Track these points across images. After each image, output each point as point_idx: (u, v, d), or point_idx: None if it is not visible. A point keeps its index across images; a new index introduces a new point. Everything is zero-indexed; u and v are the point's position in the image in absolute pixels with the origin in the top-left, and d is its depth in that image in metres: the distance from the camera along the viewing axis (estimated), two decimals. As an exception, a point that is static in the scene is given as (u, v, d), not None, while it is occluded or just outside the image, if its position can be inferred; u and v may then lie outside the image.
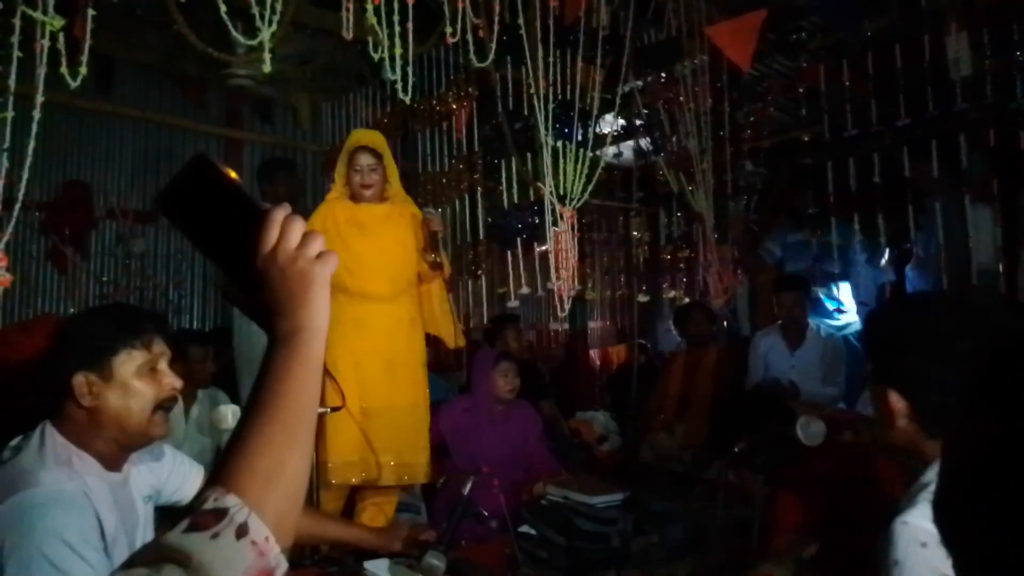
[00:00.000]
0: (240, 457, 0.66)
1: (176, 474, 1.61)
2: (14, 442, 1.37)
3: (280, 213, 0.71)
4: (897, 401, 1.20)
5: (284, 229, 0.71)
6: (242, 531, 0.62)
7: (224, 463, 0.66)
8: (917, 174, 4.15)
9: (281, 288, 0.70)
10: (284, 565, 0.64)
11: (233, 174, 0.71)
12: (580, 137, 3.64)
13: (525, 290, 4.57)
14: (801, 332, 4.21)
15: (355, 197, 2.94)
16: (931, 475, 1.18)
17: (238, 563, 0.61)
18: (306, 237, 0.71)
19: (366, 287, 2.84)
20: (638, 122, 4.85)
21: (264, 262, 0.70)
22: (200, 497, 0.64)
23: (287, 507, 0.66)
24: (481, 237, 4.94)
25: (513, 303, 4.66)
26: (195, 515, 0.62)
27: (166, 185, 0.72)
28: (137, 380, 1.40)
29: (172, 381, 1.44)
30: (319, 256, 0.71)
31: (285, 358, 0.70)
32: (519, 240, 4.58)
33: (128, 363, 1.39)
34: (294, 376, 0.69)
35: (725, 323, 4.89)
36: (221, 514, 0.62)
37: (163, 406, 1.43)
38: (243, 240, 0.70)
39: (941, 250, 4.17)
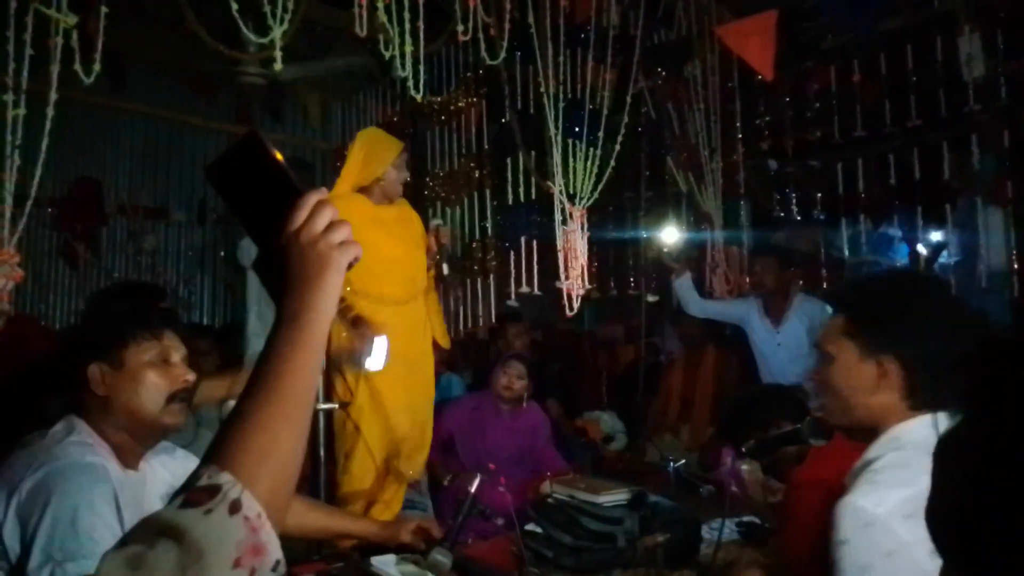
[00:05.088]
0: (235, 436, 0.67)
1: (187, 472, 1.61)
2: (40, 430, 1.39)
3: (314, 197, 0.74)
4: (893, 369, 1.18)
5: (314, 212, 0.73)
6: (235, 507, 0.62)
7: (220, 441, 0.67)
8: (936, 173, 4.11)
9: (298, 267, 0.72)
10: (276, 541, 0.64)
11: (279, 155, 0.75)
12: (590, 136, 3.63)
13: (526, 289, 4.57)
14: (782, 306, 3.83)
15: (381, 198, 2.90)
16: (873, 452, 1.18)
17: (231, 538, 0.61)
18: (333, 224, 0.74)
19: (386, 290, 2.80)
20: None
21: (288, 240, 0.73)
22: (195, 475, 0.65)
23: (280, 486, 0.67)
24: (489, 235, 4.95)
25: (512, 302, 4.66)
26: (189, 492, 0.64)
27: (219, 155, 0.77)
28: (149, 371, 1.41)
29: (184, 373, 1.45)
30: (341, 244, 0.73)
31: (288, 338, 0.71)
32: (524, 239, 4.58)
33: (140, 353, 1.40)
34: (294, 357, 0.70)
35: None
36: (215, 491, 0.63)
37: (177, 397, 1.44)
38: (276, 216, 0.74)
39: (978, 250, 4.02)
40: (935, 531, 0.58)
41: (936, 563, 0.99)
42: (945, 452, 0.60)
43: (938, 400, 1.17)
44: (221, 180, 0.77)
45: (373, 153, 2.88)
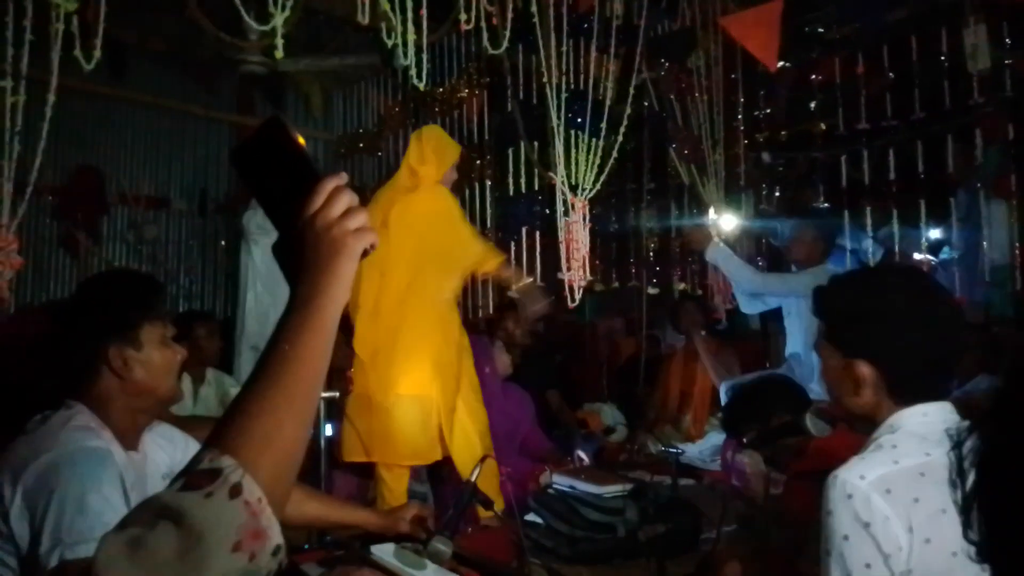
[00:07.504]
0: (239, 419, 0.66)
1: (188, 456, 1.62)
2: (39, 416, 1.40)
3: (332, 182, 0.73)
4: (866, 371, 1.22)
5: (331, 197, 0.73)
6: (235, 491, 0.62)
7: (223, 425, 0.66)
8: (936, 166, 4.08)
9: (312, 251, 0.72)
10: (277, 527, 0.64)
11: (301, 139, 0.75)
12: (593, 127, 3.62)
13: (528, 279, 4.55)
14: None
15: None
16: (873, 436, 1.23)
17: (231, 522, 0.61)
18: (350, 210, 0.73)
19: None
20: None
21: (304, 224, 0.72)
22: (197, 458, 0.65)
23: (282, 471, 0.67)
24: (489, 226, 4.94)
25: (513, 293, 4.65)
26: (190, 475, 0.63)
27: (242, 141, 0.77)
28: (162, 348, 1.46)
29: (180, 349, 1.52)
30: (356, 230, 0.72)
31: (298, 323, 0.70)
32: (526, 230, 4.57)
33: (152, 333, 1.45)
34: (303, 342, 0.69)
35: (725, 317, 4.80)
36: (215, 474, 0.62)
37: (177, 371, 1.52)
38: (296, 201, 0.73)
39: (980, 245, 3.99)
40: (981, 541, 0.59)
41: (909, 538, 1.06)
42: (988, 458, 0.60)
43: (922, 393, 1.21)
44: (244, 164, 0.77)
45: (440, 151, 3.02)
